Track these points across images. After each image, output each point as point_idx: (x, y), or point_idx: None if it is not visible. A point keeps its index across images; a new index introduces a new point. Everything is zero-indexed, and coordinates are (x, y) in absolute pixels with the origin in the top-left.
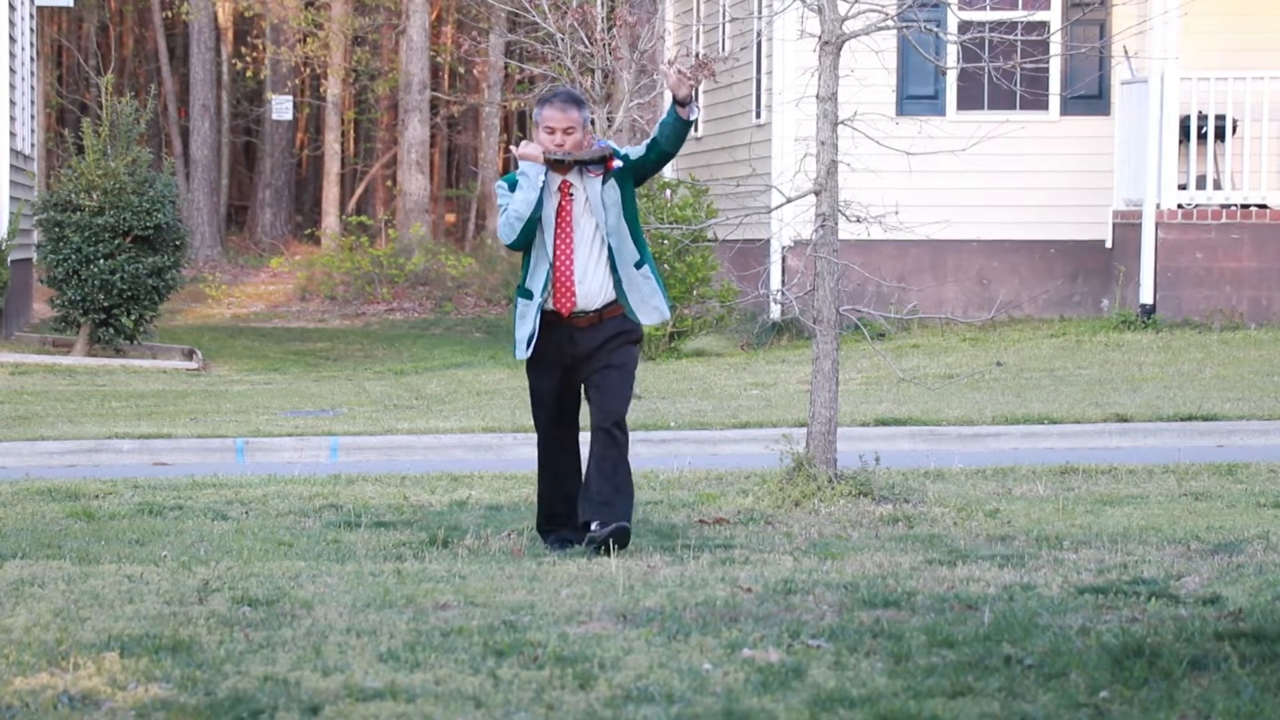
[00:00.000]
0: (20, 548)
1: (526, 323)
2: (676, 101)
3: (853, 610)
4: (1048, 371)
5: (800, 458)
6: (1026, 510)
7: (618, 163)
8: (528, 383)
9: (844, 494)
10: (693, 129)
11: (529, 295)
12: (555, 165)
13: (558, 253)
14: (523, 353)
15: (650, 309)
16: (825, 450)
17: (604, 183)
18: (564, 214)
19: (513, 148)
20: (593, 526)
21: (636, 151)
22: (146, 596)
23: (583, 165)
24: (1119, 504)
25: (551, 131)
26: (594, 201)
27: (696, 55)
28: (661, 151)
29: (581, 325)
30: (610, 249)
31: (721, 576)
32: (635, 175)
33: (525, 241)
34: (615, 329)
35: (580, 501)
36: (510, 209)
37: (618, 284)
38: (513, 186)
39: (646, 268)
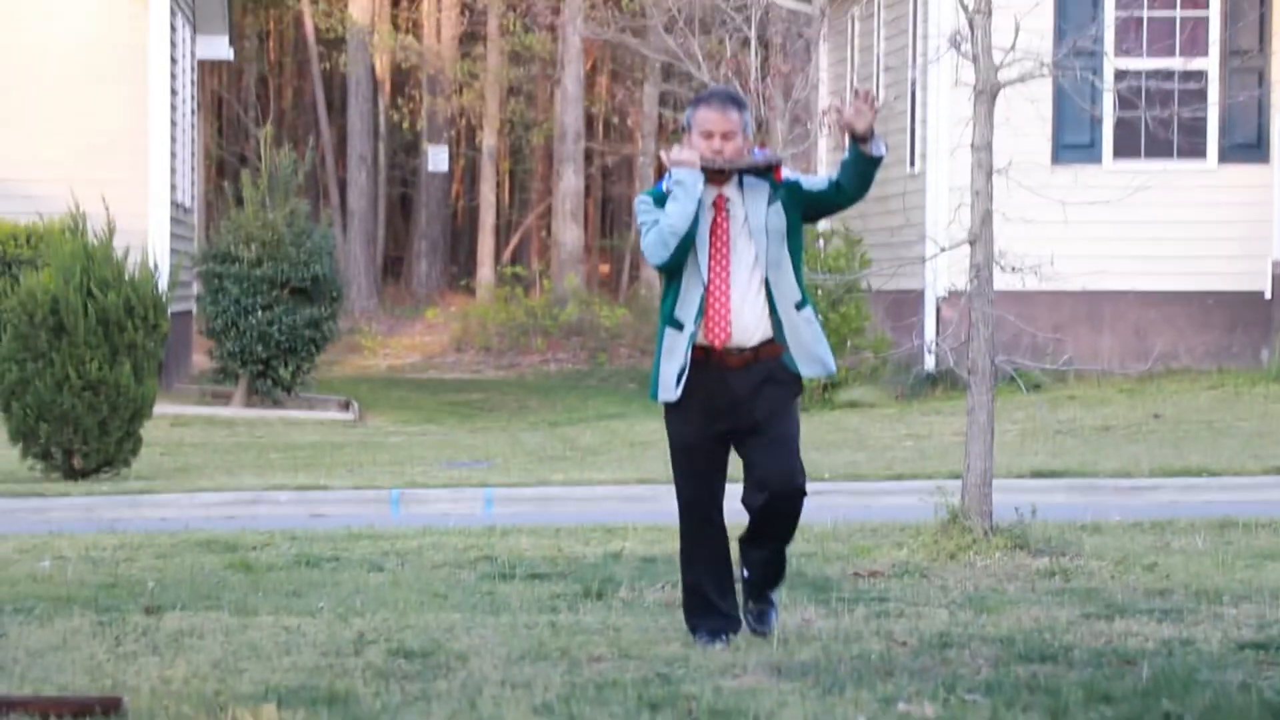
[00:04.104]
0: (180, 599)
1: (675, 357)
2: (856, 138)
3: (1009, 665)
4: (1206, 423)
5: (955, 510)
6: (1185, 564)
7: (786, 172)
8: (667, 433)
9: (1000, 547)
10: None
11: (679, 326)
12: (713, 175)
13: (712, 276)
14: (671, 393)
15: (812, 359)
16: (980, 502)
17: (769, 204)
18: (719, 232)
19: (663, 153)
20: (747, 615)
21: (812, 181)
22: (303, 648)
23: (744, 175)
24: None
25: (709, 136)
26: (754, 224)
27: (832, 104)
28: (843, 192)
29: (734, 365)
30: (768, 283)
31: (876, 629)
32: (806, 210)
33: (678, 261)
34: (771, 373)
35: (742, 560)
36: (664, 222)
37: (777, 325)
38: (658, 201)
39: (809, 310)
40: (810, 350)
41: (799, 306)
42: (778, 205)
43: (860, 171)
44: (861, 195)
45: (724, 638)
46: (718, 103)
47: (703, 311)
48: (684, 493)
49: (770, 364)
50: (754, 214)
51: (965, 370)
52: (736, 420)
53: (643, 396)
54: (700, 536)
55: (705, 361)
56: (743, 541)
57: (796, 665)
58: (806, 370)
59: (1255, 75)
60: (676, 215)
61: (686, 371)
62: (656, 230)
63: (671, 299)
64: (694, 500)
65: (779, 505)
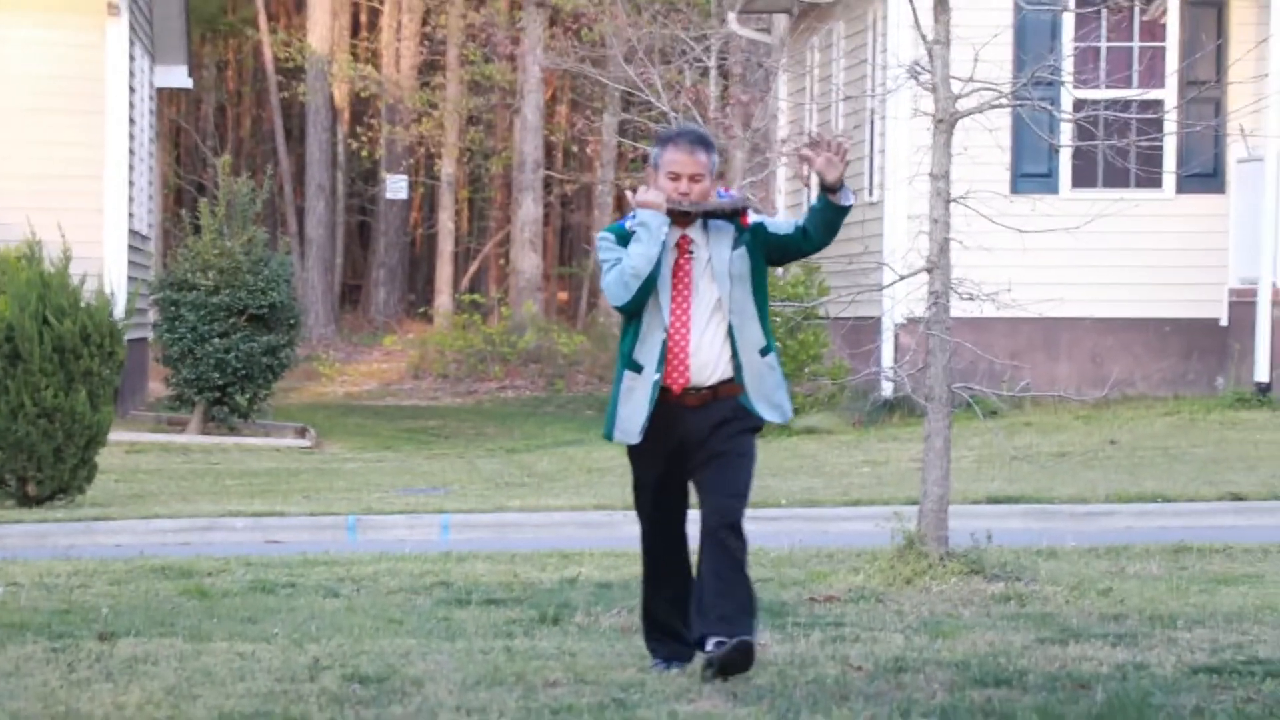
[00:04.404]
0: (134, 625)
1: (636, 403)
2: (826, 187)
3: (964, 689)
4: (1162, 450)
5: (912, 535)
6: (1140, 589)
7: (753, 216)
8: (631, 472)
9: (956, 572)
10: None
11: (637, 369)
12: (679, 217)
13: (673, 320)
14: (633, 436)
15: (770, 406)
16: (937, 528)
17: (734, 248)
18: (681, 274)
19: (629, 193)
20: (709, 645)
21: (778, 225)
22: (258, 674)
23: (710, 218)
24: (1234, 583)
25: (676, 178)
26: (718, 267)
27: (809, 135)
28: (809, 239)
29: (692, 404)
30: (731, 328)
31: (832, 654)
32: (770, 254)
33: (639, 303)
34: (729, 412)
35: (693, 616)
36: (626, 265)
37: (738, 369)
38: (620, 238)
39: (772, 356)
40: (770, 397)
41: (763, 353)
42: (742, 250)
43: (828, 220)
44: (827, 242)
45: (679, 664)
46: (686, 144)
47: (664, 357)
48: (645, 523)
49: (729, 403)
50: (718, 257)
51: (922, 397)
52: (692, 457)
53: (600, 424)
54: (662, 564)
55: (665, 402)
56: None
57: (752, 690)
58: (765, 414)
59: (1212, 106)
60: (639, 258)
61: (649, 418)
62: (618, 271)
63: (631, 339)
64: (655, 530)
65: (719, 534)
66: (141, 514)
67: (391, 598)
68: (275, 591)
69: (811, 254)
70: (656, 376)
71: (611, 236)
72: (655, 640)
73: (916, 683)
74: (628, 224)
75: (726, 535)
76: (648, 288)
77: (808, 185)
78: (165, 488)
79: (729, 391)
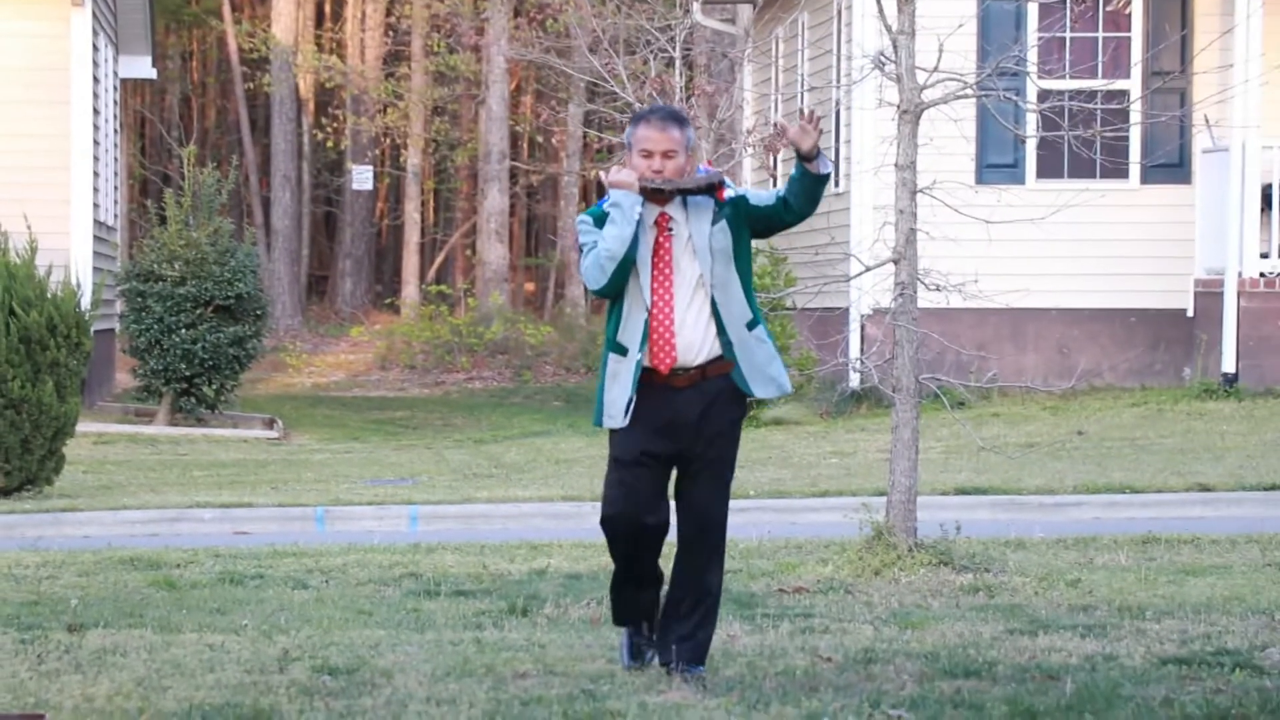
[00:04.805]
0: (103, 616)
1: (621, 385)
2: (802, 157)
3: (933, 680)
4: (1129, 441)
5: (880, 526)
6: (1108, 580)
7: (729, 192)
8: (609, 451)
9: (924, 563)
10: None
11: (622, 351)
12: (653, 195)
13: (655, 299)
14: (618, 420)
15: (765, 379)
16: (905, 519)
17: (714, 223)
18: (661, 253)
19: (602, 173)
20: (670, 662)
21: (760, 196)
22: (227, 665)
23: (685, 195)
24: (1202, 574)
25: (648, 155)
26: (699, 243)
27: (775, 124)
28: (790, 209)
29: (680, 385)
30: (715, 304)
31: (801, 645)
32: (754, 226)
33: (617, 287)
34: (721, 392)
35: (660, 626)
36: (600, 247)
37: (726, 345)
38: (598, 221)
39: (760, 329)
40: (763, 370)
41: (750, 326)
42: (723, 224)
43: (807, 189)
44: (810, 212)
45: (646, 658)
46: (658, 120)
47: (647, 336)
48: (613, 505)
49: (719, 382)
50: (698, 233)
51: (890, 388)
52: (680, 442)
53: (568, 414)
54: (629, 554)
55: (651, 383)
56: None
57: (721, 681)
58: (760, 390)
59: (1177, 96)
60: (613, 239)
61: (634, 399)
62: (594, 254)
63: (615, 322)
64: (624, 513)
65: (698, 537)
66: (110, 505)
67: (360, 589)
68: (244, 583)
69: (794, 224)
70: (639, 356)
71: (590, 220)
72: (627, 621)
73: (886, 674)
74: (604, 205)
75: (715, 537)
76: (624, 270)
77: (774, 175)
78: (133, 479)
79: (719, 370)
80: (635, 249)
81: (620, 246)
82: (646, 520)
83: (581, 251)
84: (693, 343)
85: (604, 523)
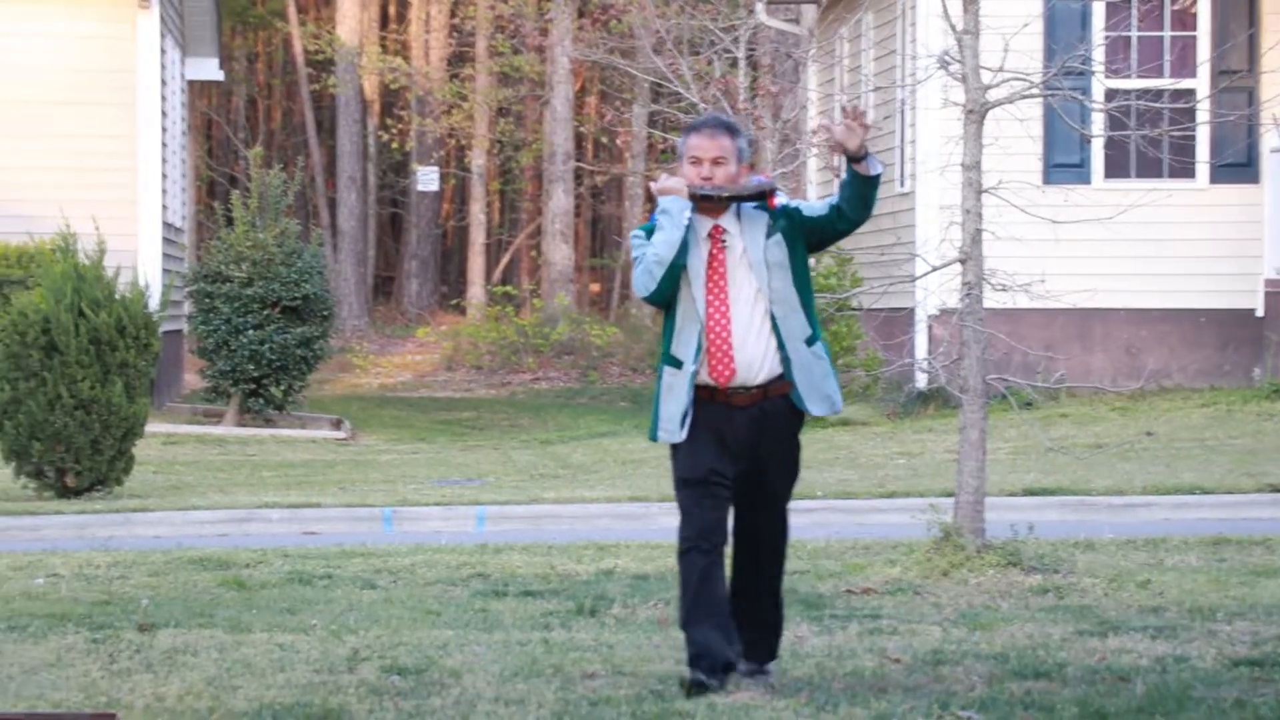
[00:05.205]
0: (174, 616)
1: (676, 398)
2: (850, 158)
3: (1003, 681)
4: (1198, 441)
5: (948, 527)
6: (1179, 581)
7: (780, 199)
8: (674, 472)
9: (993, 564)
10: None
11: (676, 364)
12: (703, 203)
13: (710, 311)
14: (675, 434)
15: (821, 397)
16: (973, 520)
17: (769, 235)
18: (716, 265)
19: (651, 184)
20: (740, 667)
21: (811, 207)
22: (297, 665)
23: (738, 202)
24: (1274, 575)
25: (698, 163)
26: (754, 256)
27: (820, 125)
28: (843, 216)
29: (741, 403)
30: (774, 319)
31: (869, 647)
32: (809, 238)
33: (666, 294)
34: (780, 413)
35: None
36: (649, 253)
37: (785, 361)
38: (650, 234)
39: (820, 346)
40: (819, 388)
41: (809, 342)
42: (778, 236)
43: (858, 192)
44: (864, 218)
45: (719, 678)
46: (707, 129)
47: (701, 348)
48: (693, 537)
49: (779, 403)
50: (752, 246)
51: (957, 388)
52: (741, 460)
53: (634, 415)
54: (703, 574)
55: (710, 400)
56: (732, 585)
57: (790, 682)
58: (815, 409)
59: (1245, 95)
60: (662, 244)
61: (690, 412)
62: (643, 262)
63: (668, 336)
64: (703, 530)
65: (757, 552)
66: (179, 505)
67: (429, 589)
68: (313, 583)
69: (849, 232)
70: (694, 369)
71: (642, 234)
72: (695, 623)
73: (955, 675)
74: (655, 217)
75: (775, 556)
76: (674, 276)
77: (838, 176)
78: (202, 479)
79: (779, 390)
80: (685, 255)
81: (669, 251)
82: (722, 548)
83: (635, 264)
84: (754, 360)
85: (683, 557)
